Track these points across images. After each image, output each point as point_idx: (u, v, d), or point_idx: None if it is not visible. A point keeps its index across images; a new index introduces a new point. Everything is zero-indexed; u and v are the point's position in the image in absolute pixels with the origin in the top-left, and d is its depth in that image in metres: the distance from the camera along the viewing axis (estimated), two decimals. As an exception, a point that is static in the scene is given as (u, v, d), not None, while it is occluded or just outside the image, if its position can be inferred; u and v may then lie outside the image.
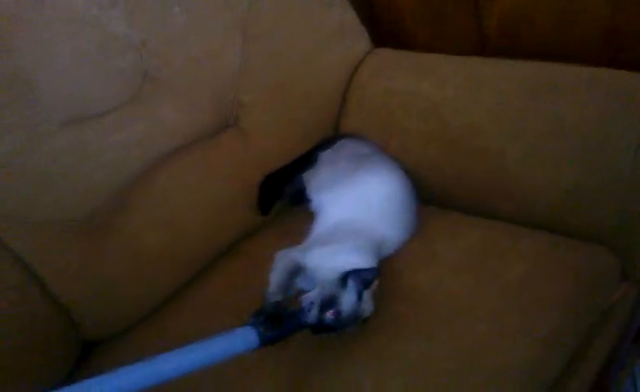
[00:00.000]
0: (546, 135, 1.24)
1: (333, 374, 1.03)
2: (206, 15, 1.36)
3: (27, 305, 1.13)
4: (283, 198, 1.46)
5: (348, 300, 1.05)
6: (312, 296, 1.07)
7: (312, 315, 1.03)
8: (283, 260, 1.19)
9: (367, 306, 1.07)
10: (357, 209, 1.26)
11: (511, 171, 1.28)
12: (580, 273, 1.16)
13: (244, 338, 0.97)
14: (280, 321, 1.02)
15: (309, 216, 1.33)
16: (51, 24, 1.15)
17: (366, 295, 1.07)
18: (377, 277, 1.09)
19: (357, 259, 1.14)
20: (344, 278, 1.06)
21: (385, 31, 1.74)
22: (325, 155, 1.43)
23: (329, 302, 1.04)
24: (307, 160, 1.44)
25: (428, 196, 1.38)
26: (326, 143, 1.47)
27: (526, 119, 1.27)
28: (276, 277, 1.15)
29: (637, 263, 1.28)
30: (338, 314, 1.03)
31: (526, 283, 1.12)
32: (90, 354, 1.23)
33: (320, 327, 1.03)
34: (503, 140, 1.29)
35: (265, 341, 0.98)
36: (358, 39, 1.57)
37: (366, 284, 1.07)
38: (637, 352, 1.47)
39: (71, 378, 1.18)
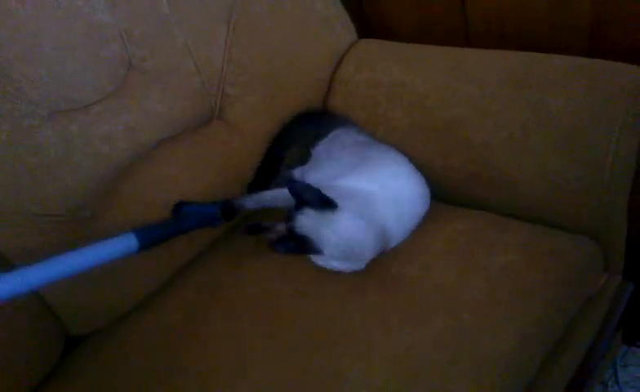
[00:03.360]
0: (531, 126, 1.24)
1: (317, 365, 1.03)
2: (191, 6, 1.35)
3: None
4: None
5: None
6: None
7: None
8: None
9: (303, 224, 1.17)
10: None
11: (496, 162, 1.28)
12: (563, 263, 1.17)
13: (124, 242, 1.11)
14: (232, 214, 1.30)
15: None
16: (34, 14, 1.14)
17: (308, 215, 1.16)
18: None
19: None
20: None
21: (370, 22, 1.74)
22: (320, 149, 1.41)
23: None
24: (287, 139, 1.45)
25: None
26: (315, 137, 1.45)
27: (512, 110, 1.27)
28: (269, 193, 1.33)
29: (619, 253, 1.30)
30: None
31: (511, 273, 1.13)
32: (74, 349, 1.23)
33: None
34: (488, 130, 1.29)
35: (144, 246, 1.14)
36: (344, 30, 1.56)
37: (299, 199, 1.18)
38: (619, 342, 1.49)
39: (55, 373, 1.18)
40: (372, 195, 1.22)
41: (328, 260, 1.18)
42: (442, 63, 1.42)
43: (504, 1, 1.51)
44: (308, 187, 1.19)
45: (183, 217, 1.26)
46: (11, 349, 1.12)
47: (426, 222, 1.28)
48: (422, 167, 1.34)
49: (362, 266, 1.19)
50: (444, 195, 1.35)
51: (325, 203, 1.16)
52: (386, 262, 1.20)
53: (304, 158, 1.42)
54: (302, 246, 1.17)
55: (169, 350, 1.13)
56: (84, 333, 1.24)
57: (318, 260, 1.20)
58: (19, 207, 1.13)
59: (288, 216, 1.20)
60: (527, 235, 1.22)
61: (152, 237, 1.17)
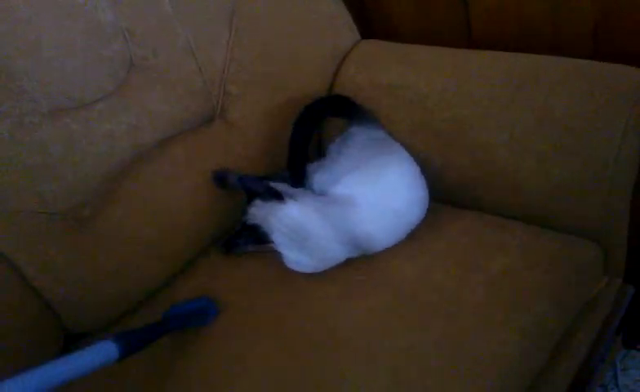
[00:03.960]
0: (533, 128, 1.24)
1: (316, 368, 1.03)
2: (193, 5, 1.35)
3: (8, 298, 1.13)
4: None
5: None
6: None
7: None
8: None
9: (253, 214, 1.25)
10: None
11: (497, 164, 1.28)
12: (564, 265, 1.17)
13: (103, 351, 0.99)
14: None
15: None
16: (36, 12, 1.14)
17: (258, 205, 1.25)
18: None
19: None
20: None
21: (373, 22, 1.74)
22: (333, 148, 1.38)
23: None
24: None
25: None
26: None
27: (513, 111, 1.27)
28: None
29: (619, 255, 1.29)
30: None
31: (511, 275, 1.13)
32: (73, 347, 1.22)
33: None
34: (489, 132, 1.29)
35: (124, 353, 1.01)
36: (346, 31, 1.56)
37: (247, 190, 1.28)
38: (619, 345, 1.49)
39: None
40: (350, 198, 1.23)
41: (290, 254, 1.22)
42: (444, 64, 1.41)
43: (507, 2, 1.51)
44: (257, 180, 1.28)
45: (170, 319, 1.17)
46: (9, 347, 1.12)
47: (426, 223, 1.28)
48: (423, 168, 1.34)
49: (329, 264, 1.21)
50: (445, 196, 1.35)
51: (273, 195, 1.24)
52: (386, 263, 1.20)
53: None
54: (254, 235, 1.25)
55: (166, 352, 1.13)
56: (83, 331, 1.24)
57: (288, 260, 1.22)
58: (19, 205, 1.13)
59: (242, 211, 1.28)
60: (528, 237, 1.22)
61: (134, 343, 1.05)
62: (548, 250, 1.18)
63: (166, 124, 1.31)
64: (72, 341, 1.23)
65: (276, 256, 1.23)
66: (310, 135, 1.43)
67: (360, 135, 1.38)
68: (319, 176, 1.32)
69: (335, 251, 1.20)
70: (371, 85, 1.47)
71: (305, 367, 1.03)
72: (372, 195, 1.23)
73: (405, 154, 1.33)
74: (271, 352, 1.07)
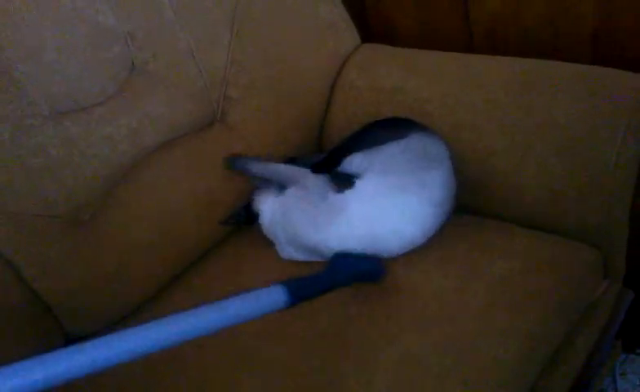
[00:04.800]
0: (534, 132, 1.24)
1: (317, 374, 1.03)
2: (194, 9, 1.35)
3: (7, 300, 1.12)
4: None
5: None
6: None
7: None
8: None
9: (258, 197, 1.35)
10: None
11: (498, 168, 1.28)
12: (564, 269, 1.17)
13: (274, 297, 0.98)
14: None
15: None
16: (37, 15, 1.14)
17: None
18: None
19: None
20: None
21: (373, 26, 1.74)
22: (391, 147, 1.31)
23: None
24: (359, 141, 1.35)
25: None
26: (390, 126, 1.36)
27: (514, 116, 1.27)
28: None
29: (619, 259, 1.30)
30: None
31: (512, 280, 1.13)
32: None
33: None
34: (490, 136, 1.29)
35: (295, 301, 0.99)
36: (347, 35, 1.56)
37: None
38: (618, 350, 1.49)
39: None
40: (340, 208, 1.22)
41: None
42: (445, 68, 1.42)
43: (507, 7, 1.51)
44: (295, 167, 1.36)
45: (338, 271, 1.13)
46: (8, 349, 1.11)
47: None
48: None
49: (283, 255, 1.29)
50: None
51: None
52: (388, 268, 1.19)
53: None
54: (247, 210, 1.35)
55: (162, 358, 1.13)
56: (84, 333, 1.24)
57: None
58: (19, 207, 1.13)
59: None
60: (528, 242, 1.22)
61: (305, 292, 1.02)
62: (549, 254, 1.19)
63: (166, 127, 1.31)
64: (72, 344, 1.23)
65: (273, 264, 1.25)
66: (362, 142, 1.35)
67: (416, 143, 1.30)
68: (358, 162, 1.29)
69: (290, 252, 1.28)
70: (372, 89, 1.47)
71: (305, 371, 1.04)
72: (368, 212, 1.20)
73: (437, 180, 1.24)
74: (271, 358, 1.07)
